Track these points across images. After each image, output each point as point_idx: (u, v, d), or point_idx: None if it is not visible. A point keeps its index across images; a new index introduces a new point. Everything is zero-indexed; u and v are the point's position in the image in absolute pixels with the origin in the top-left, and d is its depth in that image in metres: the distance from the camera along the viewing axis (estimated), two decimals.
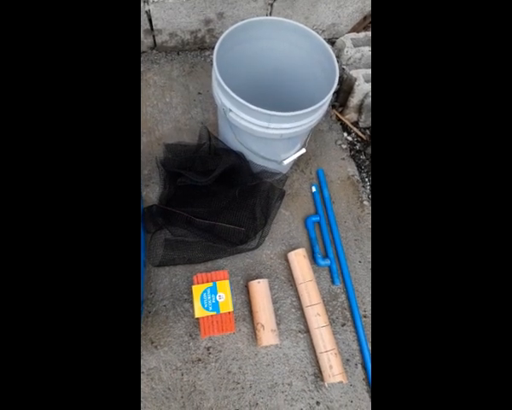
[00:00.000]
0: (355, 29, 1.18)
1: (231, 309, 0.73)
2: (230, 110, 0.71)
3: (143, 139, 0.98)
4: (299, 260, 0.82)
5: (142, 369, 0.73)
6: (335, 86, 0.71)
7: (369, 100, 1.00)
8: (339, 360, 0.74)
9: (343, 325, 0.81)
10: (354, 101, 1.03)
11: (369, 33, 1.09)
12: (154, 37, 1.09)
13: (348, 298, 0.84)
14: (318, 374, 0.76)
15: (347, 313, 0.83)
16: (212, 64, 0.71)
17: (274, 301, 0.81)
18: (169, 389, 0.72)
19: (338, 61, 1.07)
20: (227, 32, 0.73)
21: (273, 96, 0.94)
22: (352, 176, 1.00)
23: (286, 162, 0.84)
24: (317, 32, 1.13)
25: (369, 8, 1.13)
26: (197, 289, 0.74)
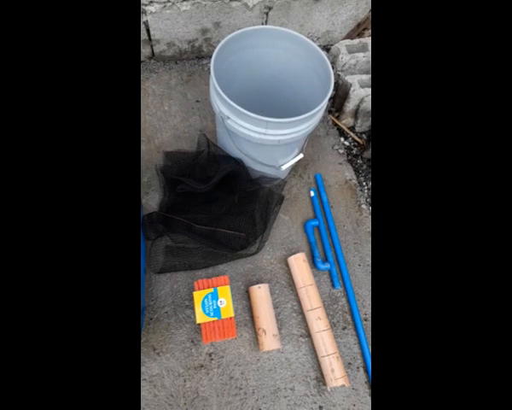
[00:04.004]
0: (349, 36, 1.20)
1: (232, 315, 0.74)
2: (228, 117, 0.73)
3: (143, 147, 0.99)
4: (299, 265, 0.83)
5: (145, 376, 0.73)
6: (331, 92, 0.72)
7: (364, 105, 1.02)
8: (340, 364, 0.74)
9: (344, 328, 0.82)
10: (350, 106, 1.05)
11: (363, 40, 1.10)
12: (151, 47, 1.10)
13: (349, 301, 0.84)
14: (320, 378, 0.76)
15: (348, 317, 0.83)
16: (209, 72, 0.72)
17: (275, 306, 0.82)
18: (172, 395, 0.72)
19: (333, 68, 1.09)
20: (224, 41, 0.74)
21: (270, 102, 0.95)
22: (350, 180, 1.01)
23: (284, 168, 0.85)
24: (312, 40, 1.15)
25: (362, 16, 1.16)
26: (198, 295, 0.74)
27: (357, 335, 0.81)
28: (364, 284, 0.87)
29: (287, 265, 0.87)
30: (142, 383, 0.72)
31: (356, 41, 1.10)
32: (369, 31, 1.19)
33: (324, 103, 0.72)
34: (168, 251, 0.84)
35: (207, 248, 0.84)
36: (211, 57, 0.73)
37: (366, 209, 0.97)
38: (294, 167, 1.00)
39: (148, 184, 0.94)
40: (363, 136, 1.11)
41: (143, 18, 1.01)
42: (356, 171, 1.04)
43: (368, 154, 1.06)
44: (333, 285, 0.86)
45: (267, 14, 1.08)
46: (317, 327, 0.77)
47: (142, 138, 1.00)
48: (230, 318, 0.74)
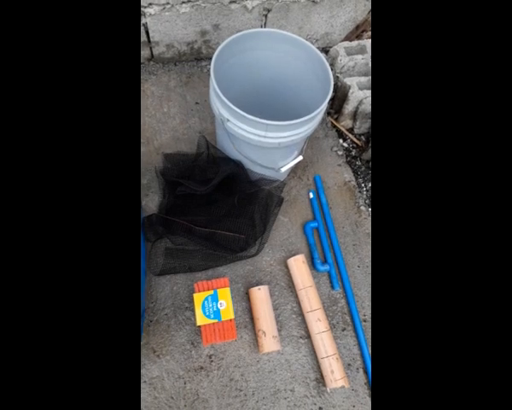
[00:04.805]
0: (348, 38, 1.20)
1: (232, 316, 0.74)
2: (228, 120, 0.73)
3: (142, 149, 0.99)
4: (299, 266, 0.83)
5: (145, 378, 0.73)
6: (330, 95, 0.72)
7: (363, 107, 1.02)
8: (340, 365, 0.74)
9: (343, 329, 0.82)
10: (349, 108, 1.05)
11: (361, 42, 1.11)
12: (151, 48, 1.10)
13: (348, 303, 0.84)
14: (320, 379, 0.76)
15: (347, 318, 0.83)
16: (208, 74, 0.72)
17: (275, 308, 0.82)
18: (172, 397, 0.72)
19: (332, 70, 1.09)
20: (224, 43, 0.74)
21: (270, 105, 0.95)
22: (349, 182, 1.01)
23: (283, 170, 0.86)
24: (311, 42, 1.16)
25: (361, 18, 1.16)
26: (198, 297, 0.75)
27: (357, 336, 0.81)
28: (363, 286, 0.87)
29: (286, 266, 0.87)
30: (142, 386, 0.72)
31: (354, 43, 1.11)
32: (368, 33, 1.19)
33: (324, 106, 0.72)
34: (168, 253, 0.84)
35: (207, 250, 0.84)
36: (210, 59, 0.73)
37: (365, 211, 0.97)
38: (294, 169, 1.00)
39: (148, 186, 0.94)
40: (362, 137, 1.11)
41: (143, 20, 1.01)
42: (355, 172, 1.05)
43: (366, 155, 1.06)
44: (332, 287, 0.86)
45: (266, 16, 1.09)
46: (316, 328, 0.77)
47: (141, 140, 1.00)
48: (230, 320, 0.74)
